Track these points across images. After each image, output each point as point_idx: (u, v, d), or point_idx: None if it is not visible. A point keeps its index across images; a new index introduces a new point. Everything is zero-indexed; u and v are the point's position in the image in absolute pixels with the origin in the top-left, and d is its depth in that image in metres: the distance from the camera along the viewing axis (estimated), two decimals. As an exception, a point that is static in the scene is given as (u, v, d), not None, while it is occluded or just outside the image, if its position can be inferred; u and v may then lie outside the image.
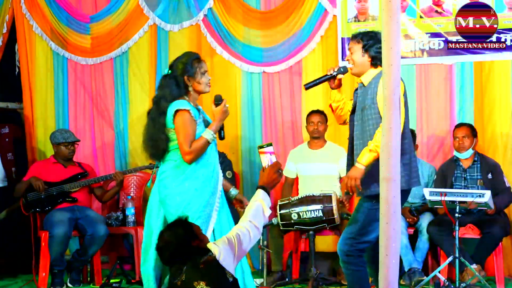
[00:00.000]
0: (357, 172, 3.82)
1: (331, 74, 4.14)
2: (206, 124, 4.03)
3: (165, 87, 3.97)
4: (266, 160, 3.47)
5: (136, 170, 6.04)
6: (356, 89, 4.12)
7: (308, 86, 4.25)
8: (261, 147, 3.52)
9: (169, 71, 4.01)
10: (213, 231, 3.89)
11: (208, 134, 3.88)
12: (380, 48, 3.86)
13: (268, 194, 3.43)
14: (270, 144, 3.52)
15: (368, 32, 4.09)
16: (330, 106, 4.31)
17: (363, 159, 3.81)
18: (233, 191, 4.23)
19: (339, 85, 4.19)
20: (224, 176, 5.98)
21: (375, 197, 3.79)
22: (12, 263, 6.12)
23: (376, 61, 3.96)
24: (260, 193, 3.41)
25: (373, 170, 3.73)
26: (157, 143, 3.93)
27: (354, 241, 3.93)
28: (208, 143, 3.87)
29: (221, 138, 4.05)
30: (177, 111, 3.85)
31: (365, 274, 4.00)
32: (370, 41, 3.97)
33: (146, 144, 4.02)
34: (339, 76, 4.14)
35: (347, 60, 4.13)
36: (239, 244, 3.19)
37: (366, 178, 3.85)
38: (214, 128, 3.92)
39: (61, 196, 5.73)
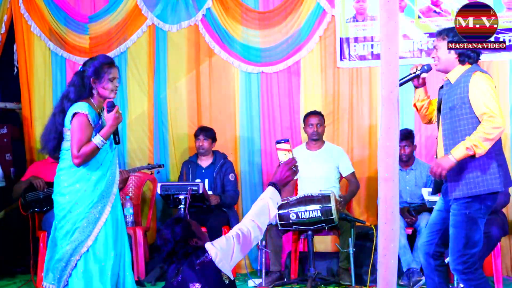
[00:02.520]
0: (447, 162, 3.71)
1: (414, 73, 4.07)
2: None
3: (72, 85, 4.01)
4: (282, 156, 3.33)
5: (140, 169, 6.03)
6: (442, 87, 4.02)
7: (401, 83, 4.02)
8: (278, 142, 3.39)
9: (81, 69, 4.05)
10: (102, 234, 3.93)
11: (97, 139, 3.89)
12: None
13: (279, 191, 3.29)
14: (287, 140, 3.39)
15: (453, 28, 3.95)
16: (415, 105, 4.22)
17: (457, 153, 3.70)
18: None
19: (423, 84, 4.12)
20: (227, 179, 6.02)
21: (469, 201, 3.75)
22: (10, 263, 6.11)
23: (463, 57, 3.88)
24: (269, 190, 3.26)
25: (466, 171, 3.72)
26: (47, 140, 4.01)
27: (466, 259, 3.77)
28: (97, 148, 3.88)
29: (116, 143, 4.06)
30: (75, 113, 3.88)
31: (486, 282, 3.85)
32: (456, 37, 3.86)
33: (43, 136, 4.09)
34: (423, 74, 4.07)
35: (432, 57, 4.01)
36: (238, 245, 3.12)
37: (453, 180, 3.79)
38: (104, 134, 3.91)
39: None
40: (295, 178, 3.46)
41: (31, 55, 6.80)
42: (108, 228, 3.96)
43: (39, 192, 5.68)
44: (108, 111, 3.93)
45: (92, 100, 3.99)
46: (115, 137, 4.04)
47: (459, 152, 3.71)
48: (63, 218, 3.93)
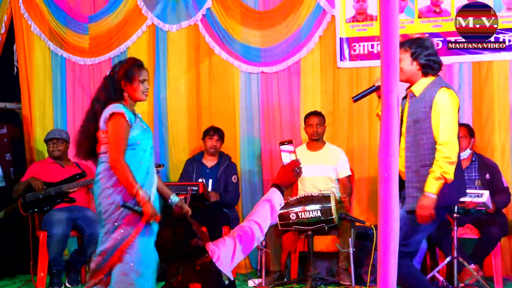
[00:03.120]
0: (429, 201, 3.75)
1: (378, 85, 4.09)
2: (142, 129, 3.98)
3: (102, 89, 3.98)
4: (286, 157, 3.31)
5: None
6: (404, 97, 4.07)
7: (356, 98, 4.17)
8: (282, 143, 3.40)
9: (110, 73, 4.01)
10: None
11: (141, 191, 3.79)
12: (430, 55, 3.90)
13: (282, 193, 3.26)
14: (291, 142, 3.40)
15: (415, 39, 4.04)
16: (378, 115, 4.25)
17: (433, 188, 3.75)
18: (174, 198, 4.16)
19: None
20: (230, 180, 6.02)
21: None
22: (10, 264, 6.11)
23: (426, 69, 3.91)
24: (272, 192, 3.24)
25: (420, 186, 3.78)
26: (82, 144, 3.97)
27: (399, 244, 3.88)
28: (134, 183, 3.79)
29: (140, 214, 3.91)
30: (112, 114, 3.84)
31: (418, 273, 3.98)
32: (419, 49, 3.92)
33: (74, 143, 4.07)
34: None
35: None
36: (240, 246, 3.11)
37: (411, 193, 3.85)
38: (141, 197, 3.79)
39: (59, 197, 5.73)
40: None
41: (31, 55, 6.80)
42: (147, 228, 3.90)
43: (38, 192, 5.68)
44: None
45: (123, 102, 3.94)
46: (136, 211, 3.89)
47: (433, 186, 3.76)
48: (107, 219, 3.86)
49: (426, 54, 3.92)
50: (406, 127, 3.96)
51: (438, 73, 3.99)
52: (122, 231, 3.84)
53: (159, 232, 3.20)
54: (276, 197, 3.22)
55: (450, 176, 3.76)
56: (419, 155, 3.84)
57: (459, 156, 3.92)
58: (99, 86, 4.04)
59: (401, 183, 3.99)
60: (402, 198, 3.95)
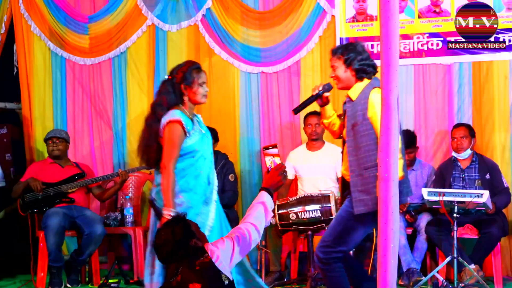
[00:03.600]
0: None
1: (317, 94, 4.07)
2: (201, 134, 3.96)
3: (163, 93, 3.94)
4: (270, 161, 3.42)
5: (139, 169, 6.03)
6: (345, 102, 4.06)
7: (297, 111, 4.16)
8: (266, 148, 3.48)
9: (169, 77, 3.98)
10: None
11: (166, 211, 3.74)
12: (363, 59, 3.89)
13: (271, 196, 3.37)
14: (275, 146, 3.48)
15: (347, 45, 4.03)
16: (322, 123, 4.28)
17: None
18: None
19: (327, 102, 4.13)
20: (227, 179, 6.02)
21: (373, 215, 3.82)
22: (10, 263, 6.11)
23: (360, 74, 3.90)
24: (263, 195, 3.34)
25: (365, 189, 3.76)
26: (148, 151, 3.91)
27: (330, 249, 3.88)
28: (173, 198, 3.77)
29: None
30: (169, 122, 3.82)
31: (344, 278, 3.95)
32: (351, 54, 3.91)
33: (139, 150, 4.00)
34: (325, 94, 4.08)
35: (331, 77, 4.05)
36: (238, 247, 3.14)
37: (358, 196, 3.82)
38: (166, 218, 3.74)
39: (58, 197, 5.72)
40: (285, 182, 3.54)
41: (31, 55, 6.80)
42: (214, 235, 3.85)
43: (37, 193, 5.68)
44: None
45: (183, 107, 3.92)
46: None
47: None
48: None
49: (359, 59, 3.90)
50: (347, 132, 3.95)
51: (374, 75, 3.94)
52: None
53: (158, 232, 3.21)
54: (268, 200, 3.32)
55: (400, 174, 3.67)
56: (360, 158, 3.82)
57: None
58: (159, 90, 3.99)
59: (346, 184, 4.01)
60: (347, 199, 3.95)
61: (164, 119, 3.83)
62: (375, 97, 3.79)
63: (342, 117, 4.09)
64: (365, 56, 3.95)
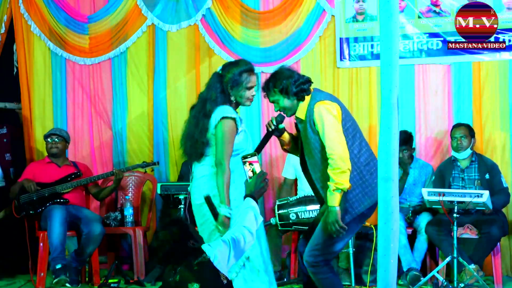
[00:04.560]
0: (334, 215, 3.70)
1: (272, 129, 4.00)
2: (245, 134, 3.95)
3: (212, 88, 3.90)
4: (250, 170, 3.47)
5: (134, 167, 6.03)
6: (296, 124, 4.03)
7: (258, 151, 3.97)
8: (245, 157, 3.51)
9: (221, 72, 3.95)
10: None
11: (224, 209, 3.74)
12: (296, 81, 3.81)
13: (257, 203, 3.42)
14: (255, 154, 3.51)
15: (274, 76, 3.91)
16: (286, 150, 4.21)
17: (333, 201, 3.71)
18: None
19: (283, 132, 4.06)
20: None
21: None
22: (10, 264, 6.11)
23: (300, 94, 3.84)
24: (250, 201, 3.39)
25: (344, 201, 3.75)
26: (196, 145, 3.88)
27: (319, 252, 3.85)
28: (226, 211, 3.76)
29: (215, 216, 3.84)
30: (222, 118, 3.79)
31: (335, 279, 3.95)
32: (284, 82, 3.82)
33: (185, 142, 3.97)
34: (280, 126, 4.01)
35: (279, 111, 3.96)
36: (234, 247, 3.17)
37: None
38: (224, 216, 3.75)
39: (53, 198, 5.71)
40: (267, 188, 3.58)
41: (31, 55, 6.80)
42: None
43: (32, 194, 5.67)
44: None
45: (231, 105, 3.91)
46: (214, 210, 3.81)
47: (331, 199, 3.72)
48: (204, 223, 3.85)
49: (293, 83, 3.82)
50: (304, 150, 3.92)
51: (311, 90, 3.89)
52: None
53: (156, 233, 3.22)
54: (255, 205, 3.39)
55: (346, 185, 3.69)
56: (324, 173, 3.78)
57: (369, 151, 3.86)
58: (209, 85, 3.95)
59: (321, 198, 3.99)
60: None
61: (218, 115, 3.80)
62: (317, 110, 3.76)
63: (296, 135, 4.05)
64: (296, 77, 3.87)
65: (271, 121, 3.99)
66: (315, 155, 3.83)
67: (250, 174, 3.48)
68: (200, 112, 3.89)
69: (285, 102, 3.88)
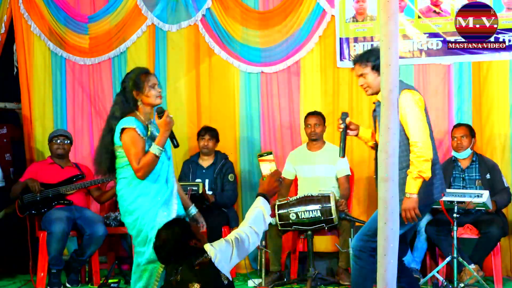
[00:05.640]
0: (412, 202, 3.80)
1: (343, 127, 4.11)
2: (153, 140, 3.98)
3: (116, 104, 4.00)
4: (266, 168, 3.47)
5: None
6: (374, 109, 4.09)
7: (342, 153, 4.15)
8: (261, 155, 3.53)
9: (121, 88, 4.02)
10: None
11: (154, 148, 3.84)
12: None
13: (268, 202, 3.42)
14: (270, 153, 3.54)
15: (370, 51, 4.05)
16: (370, 147, 4.27)
17: (412, 188, 3.79)
18: (192, 210, 4.17)
19: (357, 127, 4.17)
20: (226, 179, 6.03)
21: None
22: (10, 264, 6.11)
23: None
24: (260, 200, 3.40)
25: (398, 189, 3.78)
26: (100, 161, 3.97)
27: (368, 238, 3.91)
28: (156, 157, 3.83)
29: (175, 146, 4.02)
30: (123, 129, 3.86)
31: (370, 273, 3.94)
32: (378, 60, 3.92)
33: (95, 159, 4.07)
34: (348, 120, 4.11)
35: (361, 86, 4.06)
36: (237, 248, 3.17)
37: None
38: (159, 142, 3.86)
39: (56, 198, 5.72)
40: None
41: (31, 55, 6.80)
42: None
43: (35, 194, 5.67)
44: (159, 117, 3.89)
45: (138, 113, 3.95)
46: (173, 141, 3.99)
47: (412, 186, 3.80)
48: (137, 234, 3.88)
49: None
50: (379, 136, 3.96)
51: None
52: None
53: (158, 233, 3.22)
54: (265, 205, 3.40)
55: (427, 174, 3.79)
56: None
57: (436, 153, 3.94)
58: (113, 103, 4.06)
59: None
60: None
61: (118, 127, 3.87)
62: (404, 98, 3.84)
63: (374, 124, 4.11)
64: None
65: (339, 121, 4.10)
66: None
67: (266, 172, 3.48)
68: (105, 130, 4.00)
69: (372, 79, 3.97)
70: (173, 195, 3.96)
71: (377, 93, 3.99)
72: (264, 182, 3.47)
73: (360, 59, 4.01)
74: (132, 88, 3.94)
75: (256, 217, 3.32)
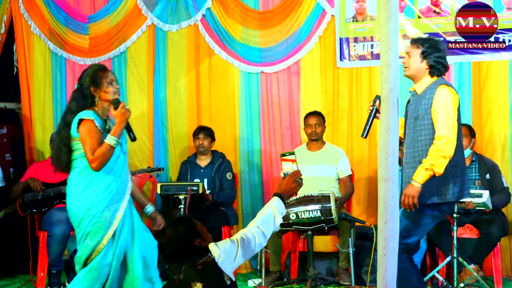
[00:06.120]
0: (414, 190, 3.83)
1: (372, 109, 4.13)
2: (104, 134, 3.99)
3: (73, 100, 4.01)
4: (287, 168, 3.42)
5: (139, 172, 6.02)
6: (409, 101, 4.11)
7: (365, 134, 4.17)
8: (284, 155, 3.50)
9: (78, 85, 4.04)
10: (114, 236, 3.88)
11: (109, 139, 3.85)
12: (440, 57, 3.95)
13: (284, 202, 3.37)
14: (293, 153, 3.49)
15: (429, 38, 4.09)
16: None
17: (419, 177, 3.82)
18: (149, 208, 4.22)
19: None
20: (225, 177, 6.02)
21: (421, 209, 3.89)
22: (10, 263, 6.11)
23: (433, 70, 3.96)
24: (275, 200, 3.34)
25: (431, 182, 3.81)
26: (58, 157, 3.98)
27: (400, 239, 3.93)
28: (111, 148, 3.84)
29: (132, 139, 4.05)
30: (81, 120, 3.87)
31: (410, 267, 4.01)
32: (430, 49, 3.96)
33: (52, 154, 4.09)
34: (378, 103, 4.10)
35: (402, 62, 4.08)
36: (242, 249, 3.15)
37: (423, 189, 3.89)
38: (115, 133, 3.88)
39: (58, 198, 5.71)
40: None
41: (31, 55, 6.80)
42: (124, 235, 3.92)
43: (37, 193, 5.67)
44: (115, 108, 3.91)
45: (96, 109, 3.97)
46: (130, 133, 4.02)
47: (420, 175, 3.82)
48: (78, 225, 3.89)
49: (437, 56, 3.95)
50: (407, 124, 4.00)
51: (443, 75, 4.03)
52: (91, 238, 3.85)
53: (163, 231, 3.22)
54: (279, 206, 3.33)
55: (439, 170, 3.80)
56: (416, 151, 3.89)
57: (462, 155, 3.94)
58: (70, 99, 4.06)
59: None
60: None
61: (75, 120, 3.89)
62: (442, 92, 3.86)
63: (405, 114, 4.12)
64: (443, 55, 4.01)
65: (370, 104, 4.13)
66: (416, 131, 3.91)
67: (287, 172, 3.42)
68: (61, 125, 4.01)
69: (414, 61, 4.00)
70: (126, 191, 3.99)
71: (412, 77, 4.02)
72: (282, 182, 3.42)
73: (416, 41, 4.04)
74: (90, 85, 3.96)
75: (266, 218, 3.28)
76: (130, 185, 4.07)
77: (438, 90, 3.87)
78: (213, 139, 6.13)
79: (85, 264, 3.87)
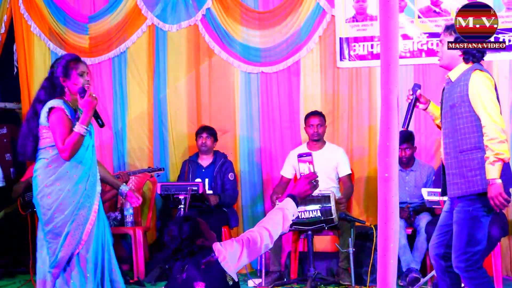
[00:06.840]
0: (496, 188, 3.62)
1: (412, 100, 4.04)
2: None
3: (42, 88, 3.96)
4: (303, 168, 3.34)
5: (140, 172, 6.02)
6: (444, 88, 3.99)
7: (406, 124, 4.06)
8: (301, 155, 3.43)
9: (49, 73, 3.99)
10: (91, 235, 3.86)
11: (78, 127, 3.78)
12: None
13: (297, 203, 3.27)
14: (310, 154, 3.42)
15: None
16: (437, 125, 4.15)
17: (493, 174, 3.62)
18: (123, 187, 4.18)
19: (427, 101, 4.07)
20: (227, 178, 6.03)
21: (473, 199, 3.72)
22: (10, 264, 6.11)
23: (468, 56, 3.83)
24: (287, 201, 3.26)
25: (459, 172, 3.71)
26: (24, 145, 3.91)
27: (468, 255, 3.72)
28: (81, 136, 3.79)
29: (100, 126, 3.98)
30: (51, 109, 3.83)
31: (489, 282, 3.81)
32: (461, 37, 3.83)
33: (19, 143, 3.98)
34: (418, 92, 4.03)
35: (437, 51, 4.02)
36: (247, 249, 3.11)
37: (452, 179, 3.77)
38: (84, 121, 3.80)
39: None
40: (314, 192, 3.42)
41: (31, 55, 6.80)
42: (95, 228, 3.89)
43: None
44: (81, 97, 3.84)
45: (65, 98, 3.92)
46: (98, 120, 3.94)
47: (492, 171, 3.64)
48: (49, 220, 3.85)
49: None
50: (443, 114, 3.89)
51: (479, 61, 3.89)
52: (71, 238, 3.83)
53: (166, 229, 3.21)
54: (290, 207, 3.24)
55: (506, 155, 3.63)
56: (457, 141, 3.76)
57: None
58: (40, 88, 4.01)
59: (443, 169, 3.96)
60: (443, 186, 3.89)
61: (46, 107, 3.83)
62: (477, 78, 3.75)
63: (441, 102, 4.00)
64: None
65: (409, 92, 4.02)
66: (454, 120, 3.79)
67: (303, 173, 3.34)
68: (31, 113, 3.94)
69: (446, 50, 3.87)
70: (96, 184, 3.93)
71: (447, 67, 3.91)
72: (296, 183, 3.33)
73: (448, 28, 3.94)
74: (60, 75, 3.91)
75: (274, 219, 3.21)
76: (99, 177, 4.00)
77: (472, 75, 3.75)
78: (215, 139, 6.14)
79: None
